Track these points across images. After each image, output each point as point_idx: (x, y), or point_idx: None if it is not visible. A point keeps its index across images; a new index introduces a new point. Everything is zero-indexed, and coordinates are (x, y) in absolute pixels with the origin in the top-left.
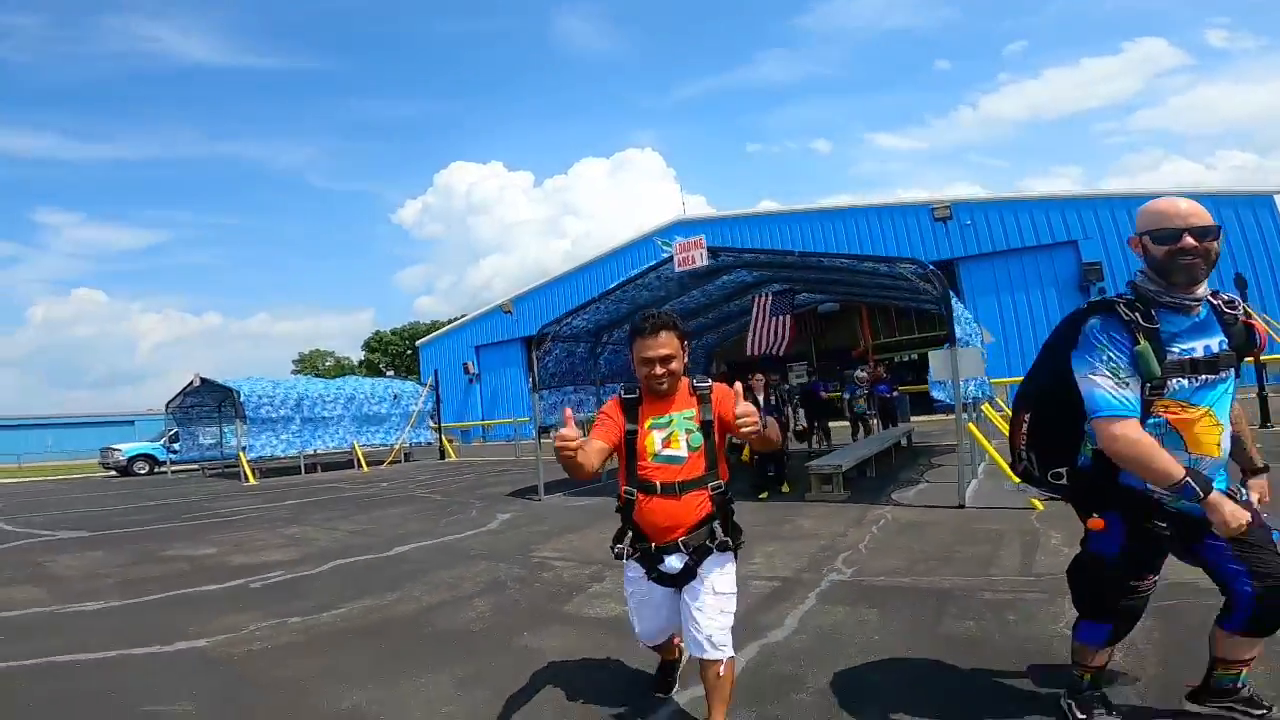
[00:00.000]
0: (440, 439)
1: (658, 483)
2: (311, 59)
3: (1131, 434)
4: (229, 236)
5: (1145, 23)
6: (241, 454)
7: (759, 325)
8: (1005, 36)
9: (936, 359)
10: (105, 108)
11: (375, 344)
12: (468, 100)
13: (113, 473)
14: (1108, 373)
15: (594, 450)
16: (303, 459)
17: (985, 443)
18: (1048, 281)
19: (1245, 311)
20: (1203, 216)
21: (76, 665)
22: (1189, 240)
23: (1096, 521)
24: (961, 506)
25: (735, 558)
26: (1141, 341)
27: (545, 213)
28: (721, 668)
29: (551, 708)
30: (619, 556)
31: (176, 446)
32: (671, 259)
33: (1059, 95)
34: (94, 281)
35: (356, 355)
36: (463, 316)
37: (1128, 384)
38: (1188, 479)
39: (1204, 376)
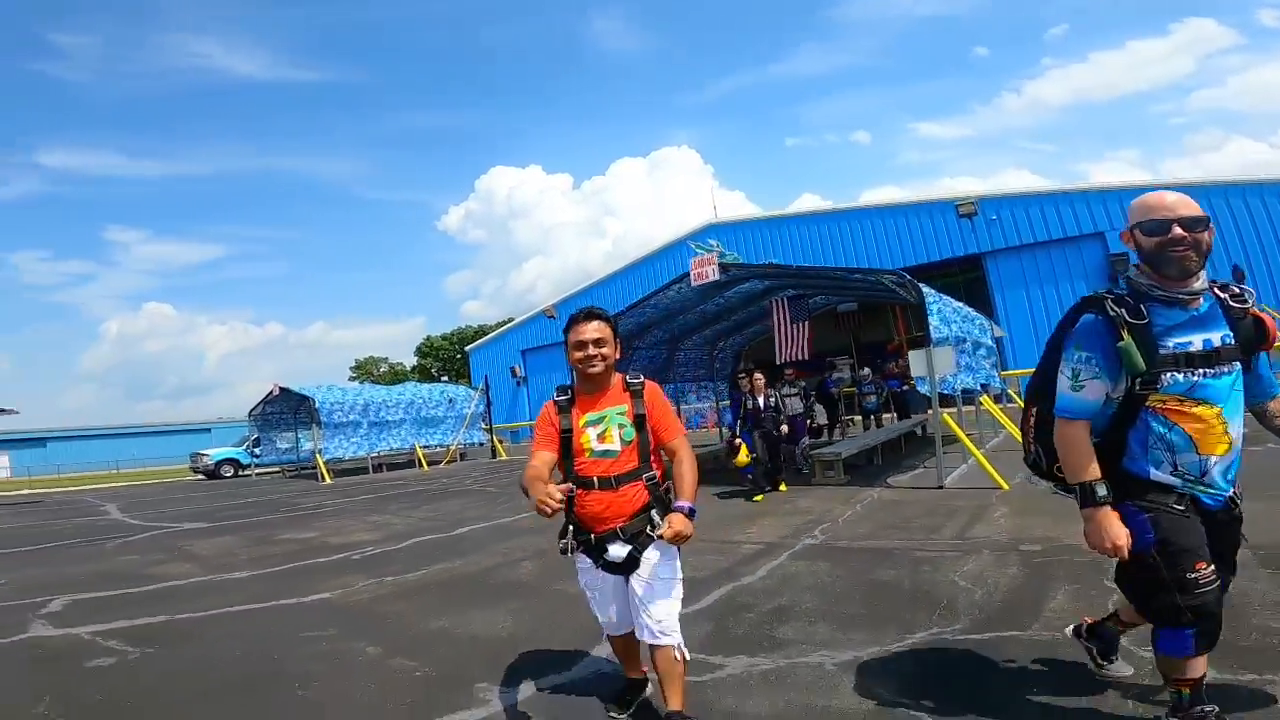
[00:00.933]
0: (492, 439)
1: (594, 477)
2: (350, 71)
3: (1066, 434)
4: (285, 249)
5: (1191, 3)
6: (318, 456)
7: (782, 333)
8: (1045, 21)
9: (915, 358)
10: (162, 125)
11: (426, 349)
12: (504, 106)
13: (201, 476)
14: (1069, 374)
15: (545, 473)
16: (370, 460)
17: (959, 431)
18: (1076, 274)
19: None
20: (1191, 207)
21: (244, 611)
22: (1178, 231)
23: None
24: (941, 487)
25: (677, 546)
26: (1125, 337)
27: (585, 214)
28: (674, 653)
29: (577, 627)
30: (564, 551)
31: (258, 450)
32: (687, 275)
33: (1107, 78)
34: (162, 296)
35: (409, 361)
36: (509, 321)
37: (1084, 386)
38: (1080, 485)
39: (1201, 370)
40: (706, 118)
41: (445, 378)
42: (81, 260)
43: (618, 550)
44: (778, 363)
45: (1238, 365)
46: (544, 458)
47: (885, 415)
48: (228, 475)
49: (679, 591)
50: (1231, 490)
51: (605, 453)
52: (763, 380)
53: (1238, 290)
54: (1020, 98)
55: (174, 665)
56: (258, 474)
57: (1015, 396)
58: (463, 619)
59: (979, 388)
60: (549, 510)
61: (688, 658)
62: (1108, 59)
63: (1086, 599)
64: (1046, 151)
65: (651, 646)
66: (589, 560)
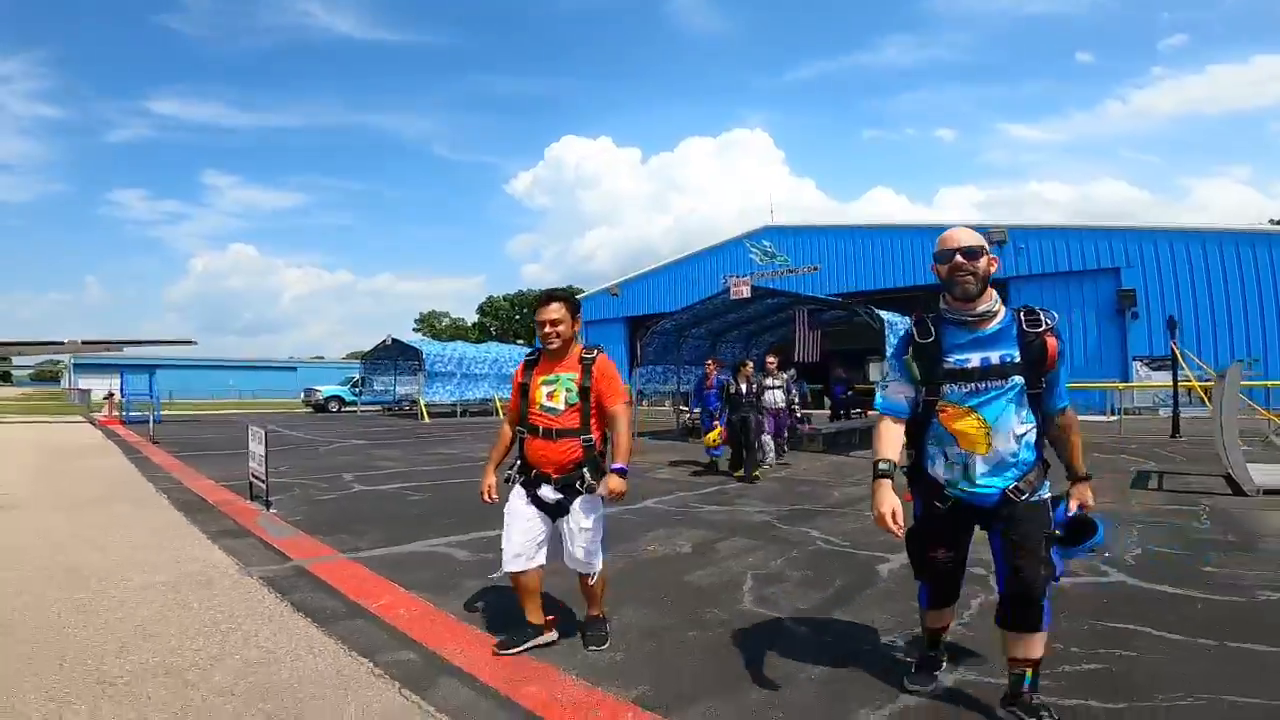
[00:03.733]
0: None
1: (540, 427)
2: (438, 34)
3: (876, 426)
4: (362, 201)
5: None
6: (420, 398)
7: (800, 337)
8: (1162, 30)
9: (874, 369)
10: (262, 79)
11: (488, 309)
12: (579, 76)
13: (311, 409)
14: (881, 378)
15: (507, 437)
16: (457, 406)
17: None
18: (1089, 304)
19: (1047, 326)
20: (973, 239)
21: (458, 482)
22: (958, 259)
23: (908, 495)
24: None
25: (602, 499)
26: (908, 352)
27: (650, 189)
28: (591, 579)
29: (650, 497)
30: (508, 480)
31: (359, 390)
32: (728, 289)
33: (1224, 92)
34: (247, 238)
35: (469, 317)
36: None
37: (886, 387)
38: (876, 462)
39: (974, 384)
40: (782, 103)
41: (520, 341)
42: (178, 201)
43: (549, 493)
44: (795, 359)
45: (1015, 379)
46: (506, 428)
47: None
48: (334, 410)
49: (596, 537)
50: (1011, 485)
51: (550, 409)
52: (750, 368)
53: (1035, 315)
54: (1126, 106)
55: (451, 496)
56: (362, 411)
57: None
58: None
59: None
60: (485, 501)
61: (596, 582)
62: (1227, 72)
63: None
64: (1150, 163)
65: (577, 574)
66: (524, 492)
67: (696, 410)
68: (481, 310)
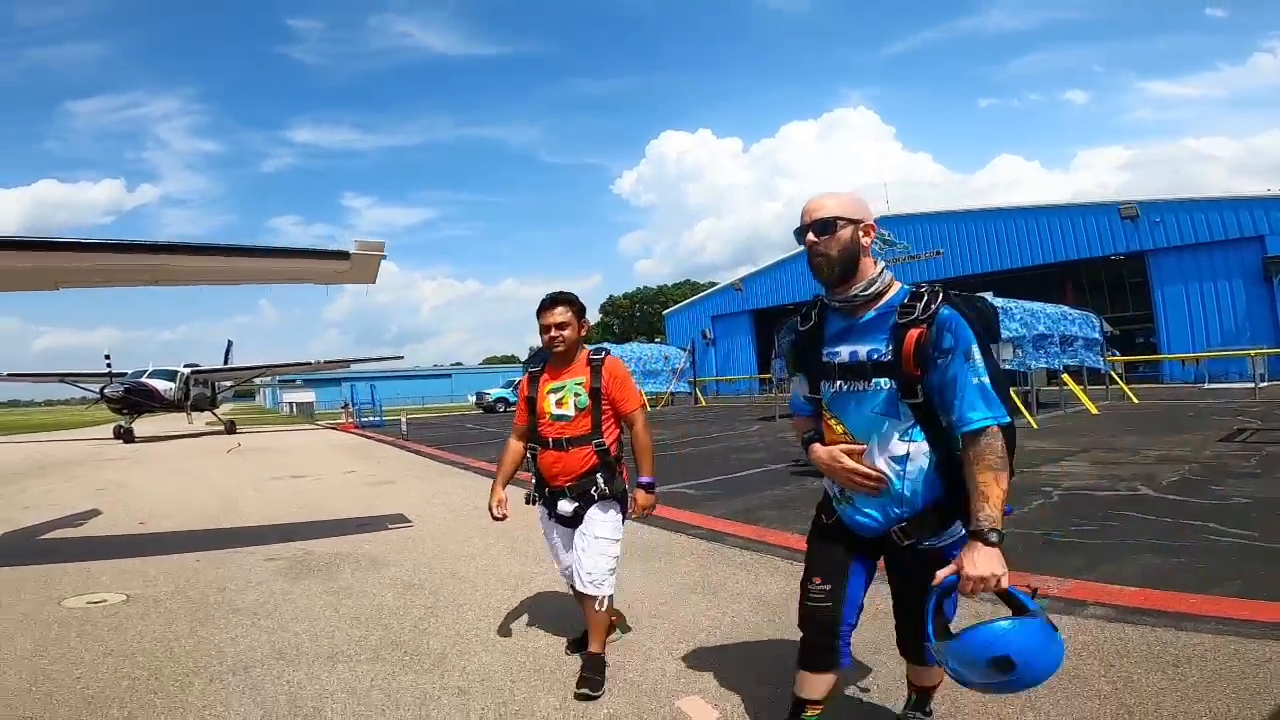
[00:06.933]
0: (694, 390)
1: (550, 438)
2: (528, 44)
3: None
4: (481, 212)
5: None
6: None
7: None
8: None
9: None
10: (378, 102)
11: (609, 307)
12: (672, 71)
13: (481, 410)
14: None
15: (516, 452)
16: None
17: None
18: (1235, 272)
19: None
20: (829, 209)
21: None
22: (810, 237)
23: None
24: None
25: (621, 508)
26: (785, 343)
27: (755, 176)
28: (597, 603)
29: (786, 457)
30: (528, 500)
31: None
32: None
33: None
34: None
35: (592, 317)
36: (687, 282)
37: (790, 382)
38: (801, 440)
39: (838, 385)
40: (884, 78)
41: (642, 337)
42: (325, 224)
43: (565, 506)
44: None
45: (880, 383)
46: (515, 442)
47: None
48: (501, 410)
49: (612, 551)
50: (896, 525)
51: (560, 417)
52: None
53: (915, 298)
54: (1276, 58)
55: (707, 450)
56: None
57: (1116, 377)
58: (718, 464)
59: (1061, 368)
60: (495, 517)
61: (602, 610)
62: None
63: None
64: None
65: (579, 594)
66: (544, 510)
67: None
68: (604, 309)
